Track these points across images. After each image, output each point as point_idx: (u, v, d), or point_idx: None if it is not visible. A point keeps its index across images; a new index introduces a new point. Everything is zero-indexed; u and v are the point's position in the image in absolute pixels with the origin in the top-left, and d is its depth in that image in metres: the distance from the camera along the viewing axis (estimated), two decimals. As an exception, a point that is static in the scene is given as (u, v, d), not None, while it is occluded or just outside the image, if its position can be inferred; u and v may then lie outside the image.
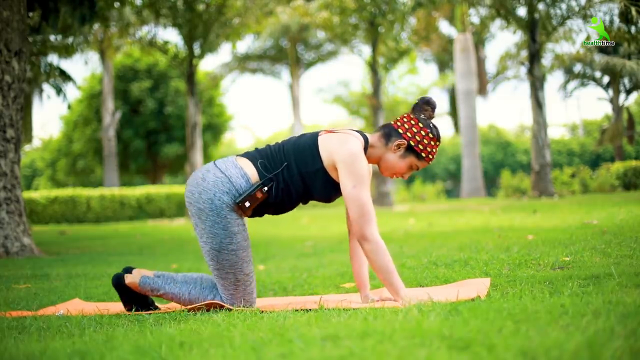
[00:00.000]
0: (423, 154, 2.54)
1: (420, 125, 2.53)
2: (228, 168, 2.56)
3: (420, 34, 19.79)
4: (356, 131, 2.60)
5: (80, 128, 25.22)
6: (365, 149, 2.56)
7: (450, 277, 3.10)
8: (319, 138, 2.56)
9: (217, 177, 2.54)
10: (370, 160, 2.60)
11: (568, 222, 6.15)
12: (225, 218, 2.52)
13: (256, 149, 2.67)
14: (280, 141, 2.67)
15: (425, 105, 2.58)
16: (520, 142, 31.22)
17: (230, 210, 2.53)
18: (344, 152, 2.46)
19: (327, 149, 2.51)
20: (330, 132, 2.58)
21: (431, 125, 2.55)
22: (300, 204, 2.71)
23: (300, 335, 1.71)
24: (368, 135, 2.61)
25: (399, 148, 2.54)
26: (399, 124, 2.56)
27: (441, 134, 2.62)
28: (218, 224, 2.52)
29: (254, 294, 2.62)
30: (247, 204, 2.52)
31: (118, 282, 2.69)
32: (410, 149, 2.54)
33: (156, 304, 2.83)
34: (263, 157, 2.59)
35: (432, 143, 2.54)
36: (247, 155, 2.63)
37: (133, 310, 2.68)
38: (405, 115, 2.59)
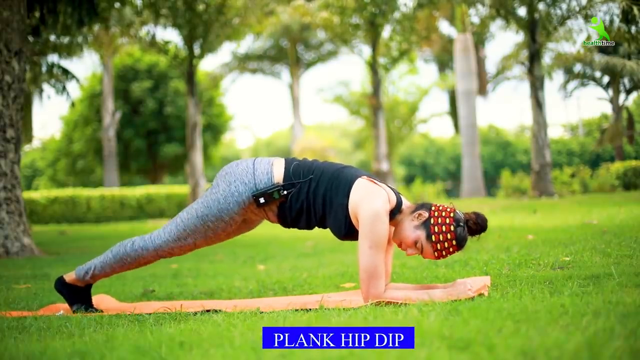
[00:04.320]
0: (433, 238, 2.44)
1: (452, 217, 2.46)
2: (260, 162, 2.63)
3: (421, 34, 19.78)
4: (395, 192, 2.56)
5: (81, 128, 25.22)
6: (395, 212, 2.51)
7: (451, 277, 3.10)
8: (358, 179, 2.52)
9: (247, 166, 2.61)
10: (392, 223, 2.54)
11: (568, 222, 6.14)
12: (228, 204, 2.57)
13: (305, 158, 2.69)
14: (329, 162, 2.67)
15: (472, 214, 2.52)
16: (520, 142, 31.22)
17: (238, 200, 2.57)
18: (367, 208, 2.41)
19: (356, 195, 2.47)
20: (372, 180, 2.54)
21: (462, 225, 2.46)
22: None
23: (300, 335, 1.70)
24: (404, 202, 2.56)
25: (418, 218, 2.49)
26: (437, 206, 2.51)
27: (463, 238, 2.46)
28: (218, 203, 2.59)
29: (174, 255, 2.72)
30: (262, 200, 2.55)
31: (61, 285, 2.79)
32: (426, 225, 2.47)
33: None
34: (299, 164, 2.61)
35: (449, 237, 2.43)
36: (290, 158, 2.69)
37: (79, 309, 2.75)
38: (450, 206, 2.52)
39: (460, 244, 2.47)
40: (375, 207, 2.41)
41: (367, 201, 2.44)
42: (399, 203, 2.53)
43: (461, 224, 2.47)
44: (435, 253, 2.46)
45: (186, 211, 2.68)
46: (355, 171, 2.59)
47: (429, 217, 2.47)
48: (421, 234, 2.47)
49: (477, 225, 2.50)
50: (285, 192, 2.55)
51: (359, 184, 2.51)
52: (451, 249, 2.46)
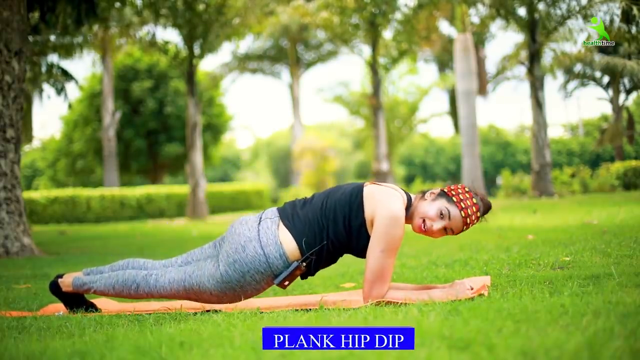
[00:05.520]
0: (454, 199, 2.42)
1: (474, 200, 2.46)
2: (268, 245, 2.44)
3: (421, 34, 19.78)
4: (402, 190, 2.53)
5: (80, 128, 25.21)
6: (407, 208, 2.48)
7: (450, 277, 3.09)
8: (365, 189, 2.47)
9: (256, 253, 2.44)
10: (406, 220, 2.50)
11: (568, 222, 6.15)
12: (245, 290, 2.51)
13: (305, 200, 2.58)
14: (325, 195, 2.54)
15: (480, 193, 2.53)
16: (520, 142, 31.22)
17: (257, 288, 2.51)
18: (386, 211, 2.36)
19: (371, 201, 2.41)
20: (376, 184, 2.52)
21: (480, 200, 2.48)
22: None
23: (300, 335, 1.70)
24: (412, 196, 2.54)
25: (431, 195, 2.48)
26: (452, 189, 2.49)
27: (483, 205, 2.50)
28: (234, 290, 2.51)
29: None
30: (287, 283, 2.48)
31: (56, 290, 2.76)
32: (442, 194, 2.46)
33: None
34: (307, 232, 2.45)
35: (475, 210, 2.44)
36: (292, 225, 2.49)
37: (79, 310, 2.74)
38: (461, 185, 2.51)
39: (481, 211, 2.47)
40: (394, 210, 2.37)
41: (385, 204, 2.39)
42: (409, 200, 2.52)
43: (475, 192, 2.50)
44: (462, 212, 2.41)
45: (196, 280, 2.54)
46: (356, 185, 2.52)
47: (442, 190, 2.48)
48: (442, 201, 2.44)
49: (483, 199, 2.53)
50: (304, 265, 2.46)
51: (368, 192, 2.45)
52: (474, 208, 2.44)
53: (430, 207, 2.44)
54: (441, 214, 2.42)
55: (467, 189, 2.48)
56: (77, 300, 2.78)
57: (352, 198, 2.46)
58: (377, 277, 2.39)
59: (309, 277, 3.75)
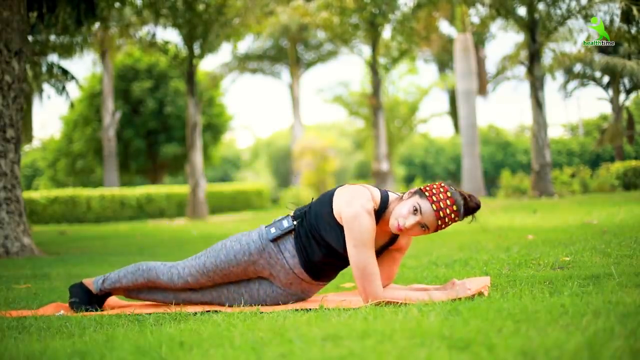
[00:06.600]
0: (427, 194, 2.43)
1: (444, 186, 2.47)
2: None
3: (421, 34, 19.78)
4: (380, 190, 2.55)
5: (80, 128, 25.20)
6: (382, 207, 2.50)
7: (450, 277, 3.10)
8: (340, 187, 2.59)
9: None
10: (383, 221, 2.52)
11: (568, 222, 6.15)
12: (246, 236, 2.65)
13: None
14: None
15: (467, 193, 2.50)
16: (520, 142, 31.22)
17: (250, 255, 2.61)
18: (347, 210, 2.45)
19: (338, 200, 2.52)
20: (353, 183, 2.61)
21: (459, 196, 2.44)
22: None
23: (300, 335, 1.71)
24: (391, 195, 2.56)
25: (409, 194, 2.49)
26: (427, 187, 2.49)
27: (460, 204, 2.43)
28: (238, 237, 2.67)
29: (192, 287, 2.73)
30: (273, 230, 2.60)
31: (79, 285, 2.87)
32: (417, 192, 2.47)
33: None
34: (299, 208, 2.72)
35: (446, 199, 2.42)
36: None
37: (79, 307, 2.79)
38: (437, 183, 2.51)
39: (458, 205, 2.42)
40: (354, 209, 2.44)
41: (347, 202, 2.47)
42: (385, 197, 2.53)
43: (454, 189, 2.47)
44: (434, 205, 2.41)
45: (208, 251, 2.73)
46: (339, 185, 2.66)
47: (418, 189, 2.50)
48: (415, 198, 2.46)
49: (470, 198, 2.48)
50: (294, 223, 2.60)
51: (341, 190, 2.57)
52: (448, 202, 2.42)
53: (403, 206, 2.46)
54: (414, 209, 2.42)
55: (443, 185, 2.48)
56: (88, 298, 2.85)
57: (327, 195, 2.60)
58: (362, 274, 2.42)
59: None
